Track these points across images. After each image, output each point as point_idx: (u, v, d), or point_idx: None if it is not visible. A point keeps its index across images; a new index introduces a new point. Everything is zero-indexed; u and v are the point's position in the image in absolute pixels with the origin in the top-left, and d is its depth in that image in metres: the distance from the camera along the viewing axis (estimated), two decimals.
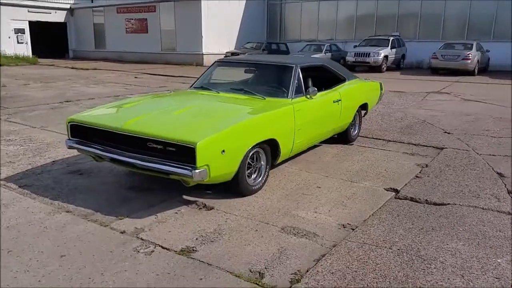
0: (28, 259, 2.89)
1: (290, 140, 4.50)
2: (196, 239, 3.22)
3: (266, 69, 5.23)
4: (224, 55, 23.55)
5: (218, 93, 4.92)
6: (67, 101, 10.01)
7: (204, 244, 3.15)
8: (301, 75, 4.93)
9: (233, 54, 23.22)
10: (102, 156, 3.93)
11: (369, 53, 18.59)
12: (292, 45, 25.21)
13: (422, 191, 4.34)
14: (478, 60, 17.49)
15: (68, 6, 29.65)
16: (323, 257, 2.97)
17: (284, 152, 4.44)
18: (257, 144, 3.96)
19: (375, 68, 18.85)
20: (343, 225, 3.53)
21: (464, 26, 21.56)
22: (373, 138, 6.71)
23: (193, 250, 3.05)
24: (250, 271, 2.79)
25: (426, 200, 4.13)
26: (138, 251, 3.01)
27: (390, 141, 6.53)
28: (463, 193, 4.32)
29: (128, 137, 3.74)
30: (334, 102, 5.38)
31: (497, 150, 5.99)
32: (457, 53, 17.33)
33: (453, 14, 21.73)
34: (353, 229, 3.44)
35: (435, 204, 4.04)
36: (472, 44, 17.83)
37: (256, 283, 2.64)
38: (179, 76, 16.98)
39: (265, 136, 4.05)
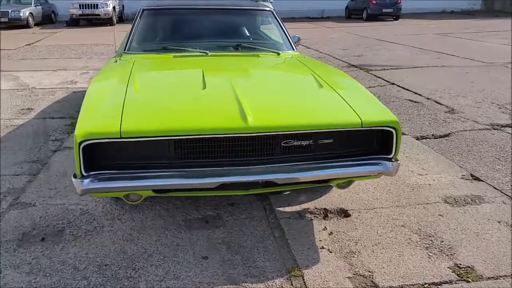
0: None
1: None
2: (434, 253, 2.29)
3: (239, 16, 3.82)
4: None
5: (207, 54, 3.30)
6: None
7: (452, 255, 2.28)
8: None
9: None
10: (195, 186, 2.07)
11: (97, 4, 16.39)
12: None
13: (412, 130, 4.46)
14: None
15: None
16: None
17: None
18: None
19: (105, 21, 16.88)
20: (461, 177, 3.29)
21: None
22: None
23: (464, 268, 2.17)
24: None
25: (433, 135, 4.32)
26: None
27: None
28: (432, 122, 4.73)
29: (252, 140, 2.09)
30: None
31: (369, 83, 6.75)
32: None
33: None
34: (475, 178, 3.26)
35: (441, 137, 4.28)
36: None
37: None
38: None
39: None
